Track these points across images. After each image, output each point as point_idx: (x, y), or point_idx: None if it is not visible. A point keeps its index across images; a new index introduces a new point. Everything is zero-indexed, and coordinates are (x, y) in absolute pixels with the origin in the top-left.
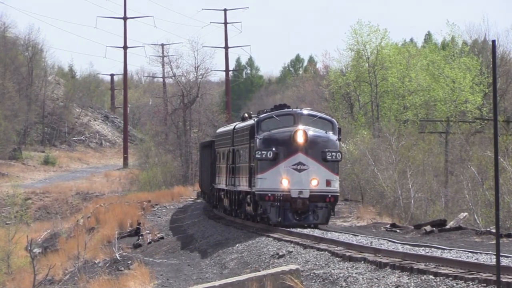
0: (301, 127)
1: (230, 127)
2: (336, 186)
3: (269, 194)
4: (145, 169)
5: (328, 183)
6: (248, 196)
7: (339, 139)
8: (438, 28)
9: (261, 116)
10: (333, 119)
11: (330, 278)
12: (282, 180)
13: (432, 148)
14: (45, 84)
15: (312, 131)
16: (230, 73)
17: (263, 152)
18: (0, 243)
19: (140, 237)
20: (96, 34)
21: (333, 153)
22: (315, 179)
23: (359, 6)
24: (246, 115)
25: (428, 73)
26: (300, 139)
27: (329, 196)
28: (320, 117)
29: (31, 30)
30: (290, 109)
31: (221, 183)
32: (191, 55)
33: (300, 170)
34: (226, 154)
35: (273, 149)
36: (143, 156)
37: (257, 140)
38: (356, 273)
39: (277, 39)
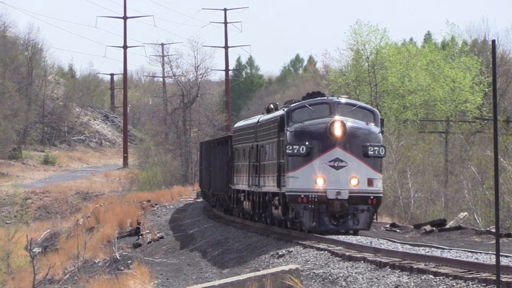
0: (338, 117)
1: (252, 120)
2: (379, 186)
3: (302, 195)
4: (145, 168)
5: (370, 182)
6: (276, 198)
7: (382, 132)
8: (438, 28)
9: (292, 105)
10: (374, 109)
11: (330, 277)
12: (317, 179)
13: (432, 147)
14: (45, 83)
15: (351, 123)
16: (230, 72)
17: (294, 146)
18: (0, 243)
19: (140, 236)
20: (96, 34)
21: (375, 148)
22: (355, 178)
23: (359, 6)
24: (272, 106)
25: (428, 73)
26: (337, 131)
27: (371, 197)
28: (360, 107)
29: (31, 29)
30: (325, 97)
31: (241, 183)
32: (191, 54)
33: (337, 168)
34: (248, 150)
35: (306, 143)
36: (143, 155)
37: (288, 133)
38: (356, 273)
39: (277, 39)
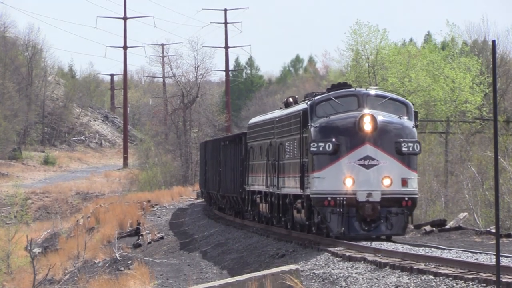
0: (368, 111)
1: (269, 115)
2: (414, 186)
3: (329, 198)
4: (145, 169)
5: (404, 182)
6: (299, 201)
7: (416, 126)
8: (438, 28)
9: (315, 98)
10: (407, 101)
11: (330, 278)
12: (346, 179)
13: (432, 148)
14: (45, 84)
15: (382, 116)
16: (230, 73)
17: (320, 144)
18: (0, 243)
19: (140, 237)
20: (96, 34)
21: (409, 144)
22: (388, 178)
23: (359, 6)
24: (291, 99)
25: (428, 73)
26: (367, 126)
27: (406, 199)
28: (392, 98)
29: (31, 30)
30: (353, 89)
31: (257, 184)
32: (191, 55)
33: (368, 166)
34: (265, 148)
35: (333, 139)
36: (143, 156)
37: (312, 129)
38: (356, 273)
39: (277, 39)
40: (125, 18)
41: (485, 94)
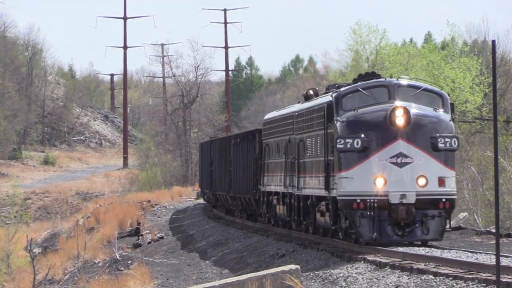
0: (400, 103)
1: (288, 109)
2: (452, 185)
3: (358, 200)
4: (145, 169)
5: (441, 181)
6: (323, 203)
7: (453, 119)
8: (438, 28)
9: (341, 90)
10: (443, 92)
11: (330, 278)
12: (376, 179)
13: None
14: (45, 84)
15: (415, 109)
16: (230, 73)
17: (347, 140)
18: (0, 243)
19: (140, 237)
20: (96, 34)
21: (446, 139)
22: (423, 177)
23: (359, 6)
24: (312, 92)
25: (428, 73)
26: (400, 120)
27: (443, 200)
28: (425, 89)
29: (31, 30)
30: (383, 79)
31: (274, 184)
32: (191, 55)
33: (401, 165)
34: (284, 145)
35: (362, 135)
36: (143, 156)
37: (338, 124)
38: (356, 273)
39: (277, 39)
40: (125, 18)
41: (485, 94)
